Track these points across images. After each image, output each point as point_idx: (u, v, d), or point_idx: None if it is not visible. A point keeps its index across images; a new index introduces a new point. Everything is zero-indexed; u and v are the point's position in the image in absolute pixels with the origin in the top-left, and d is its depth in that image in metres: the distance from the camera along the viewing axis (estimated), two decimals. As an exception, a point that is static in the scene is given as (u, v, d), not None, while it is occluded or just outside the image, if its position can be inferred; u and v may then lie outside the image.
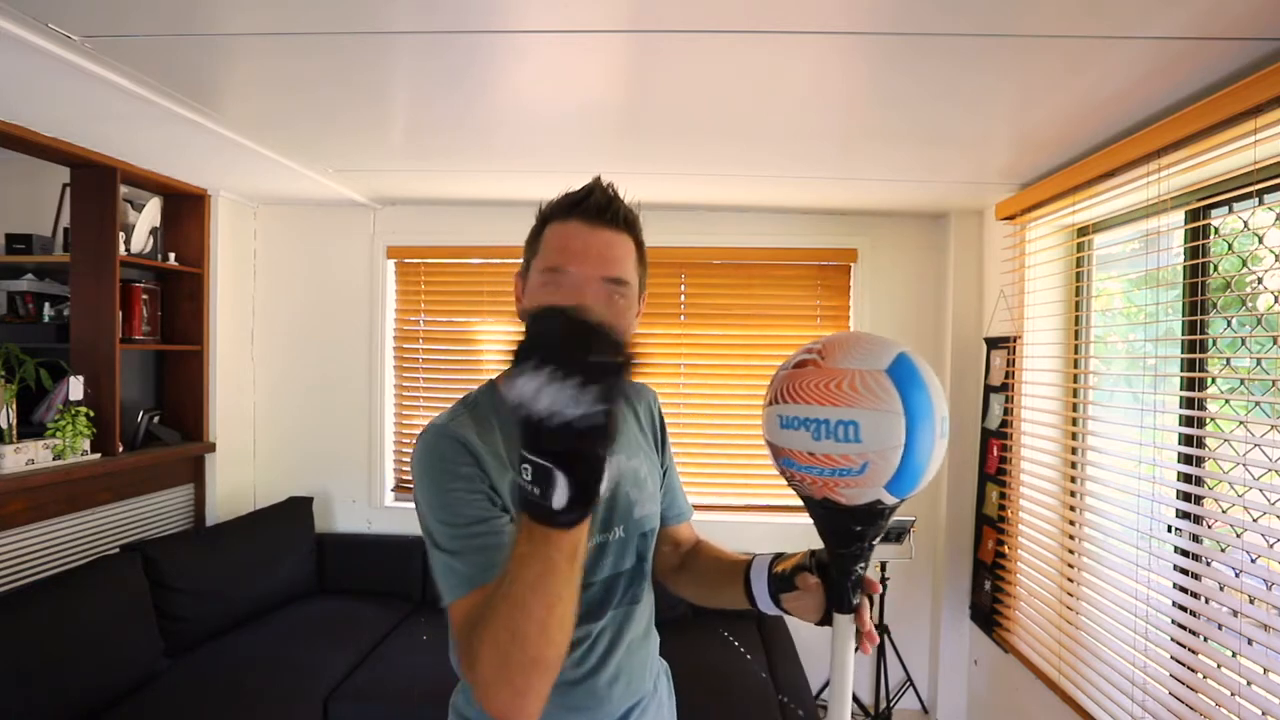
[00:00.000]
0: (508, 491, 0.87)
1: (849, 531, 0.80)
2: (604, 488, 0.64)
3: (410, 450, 3.68)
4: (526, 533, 0.66)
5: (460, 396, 0.98)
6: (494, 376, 1.00)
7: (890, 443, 0.73)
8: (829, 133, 2.11)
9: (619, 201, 0.91)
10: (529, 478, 0.63)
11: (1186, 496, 1.82)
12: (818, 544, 0.90)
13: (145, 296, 2.80)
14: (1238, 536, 1.62)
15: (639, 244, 0.94)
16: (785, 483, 0.86)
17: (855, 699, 3.09)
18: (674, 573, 1.14)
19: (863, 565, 0.84)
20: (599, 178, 0.92)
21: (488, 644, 0.69)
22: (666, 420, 1.17)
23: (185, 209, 3.01)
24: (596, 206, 0.88)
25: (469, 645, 0.73)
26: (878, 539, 0.83)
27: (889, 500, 0.77)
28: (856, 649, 0.86)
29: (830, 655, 0.87)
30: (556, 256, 0.88)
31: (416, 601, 3.13)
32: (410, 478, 3.65)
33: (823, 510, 0.81)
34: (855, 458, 0.73)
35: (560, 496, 0.62)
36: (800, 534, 3.16)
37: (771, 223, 3.23)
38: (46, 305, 2.87)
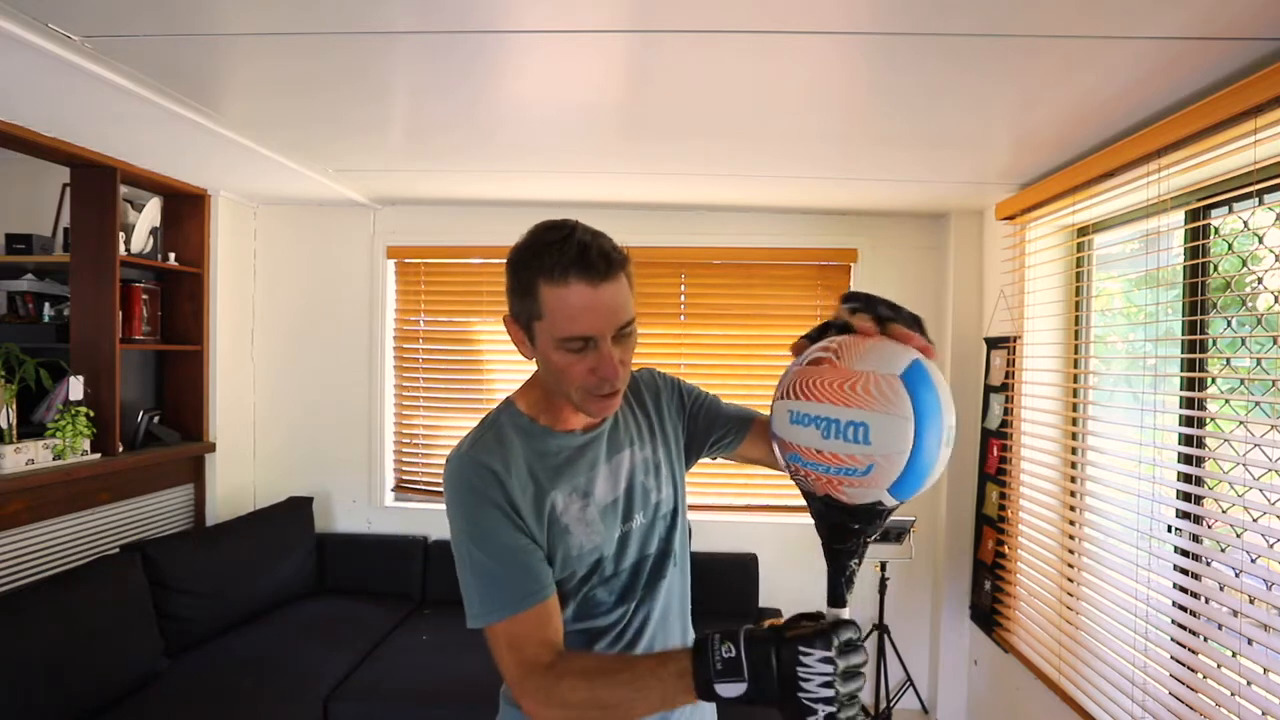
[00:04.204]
0: (530, 511, 0.92)
1: (847, 529, 0.82)
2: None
3: (410, 451, 3.68)
4: (678, 674, 0.75)
5: (483, 416, 1.01)
6: (510, 394, 1.03)
7: (897, 447, 0.73)
8: (829, 133, 2.11)
9: (612, 250, 0.88)
10: (722, 657, 0.72)
11: (1186, 496, 1.82)
12: (817, 543, 0.91)
13: (145, 296, 2.80)
14: (1238, 536, 1.62)
15: (629, 276, 0.92)
16: (787, 479, 0.87)
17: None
18: None
19: (856, 562, 0.86)
20: (577, 225, 0.88)
21: (574, 708, 0.81)
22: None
23: (185, 209, 3.01)
24: (594, 264, 0.85)
25: (543, 684, 0.83)
26: (874, 536, 0.85)
27: (889, 502, 0.78)
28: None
29: None
30: (574, 326, 0.86)
31: (416, 601, 3.13)
32: (411, 481, 3.61)
33: (823, 506, 0.82)
34: (862, 459, 0.74)
35: (730, 693, 0.72)
36: (799, 534, 3.16)
37: (771, 223, 3.23)
38: (46, 305, 2.87)
